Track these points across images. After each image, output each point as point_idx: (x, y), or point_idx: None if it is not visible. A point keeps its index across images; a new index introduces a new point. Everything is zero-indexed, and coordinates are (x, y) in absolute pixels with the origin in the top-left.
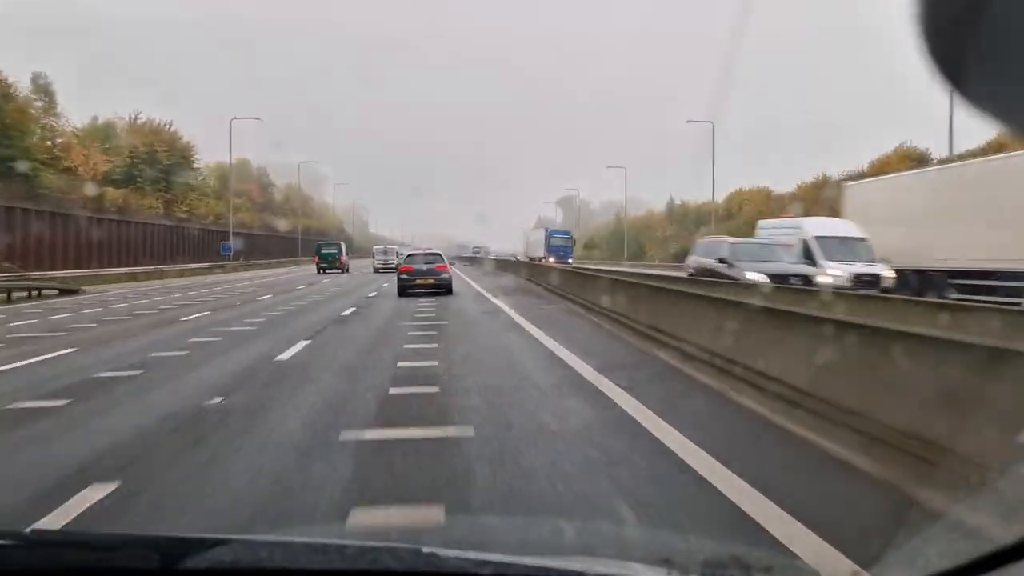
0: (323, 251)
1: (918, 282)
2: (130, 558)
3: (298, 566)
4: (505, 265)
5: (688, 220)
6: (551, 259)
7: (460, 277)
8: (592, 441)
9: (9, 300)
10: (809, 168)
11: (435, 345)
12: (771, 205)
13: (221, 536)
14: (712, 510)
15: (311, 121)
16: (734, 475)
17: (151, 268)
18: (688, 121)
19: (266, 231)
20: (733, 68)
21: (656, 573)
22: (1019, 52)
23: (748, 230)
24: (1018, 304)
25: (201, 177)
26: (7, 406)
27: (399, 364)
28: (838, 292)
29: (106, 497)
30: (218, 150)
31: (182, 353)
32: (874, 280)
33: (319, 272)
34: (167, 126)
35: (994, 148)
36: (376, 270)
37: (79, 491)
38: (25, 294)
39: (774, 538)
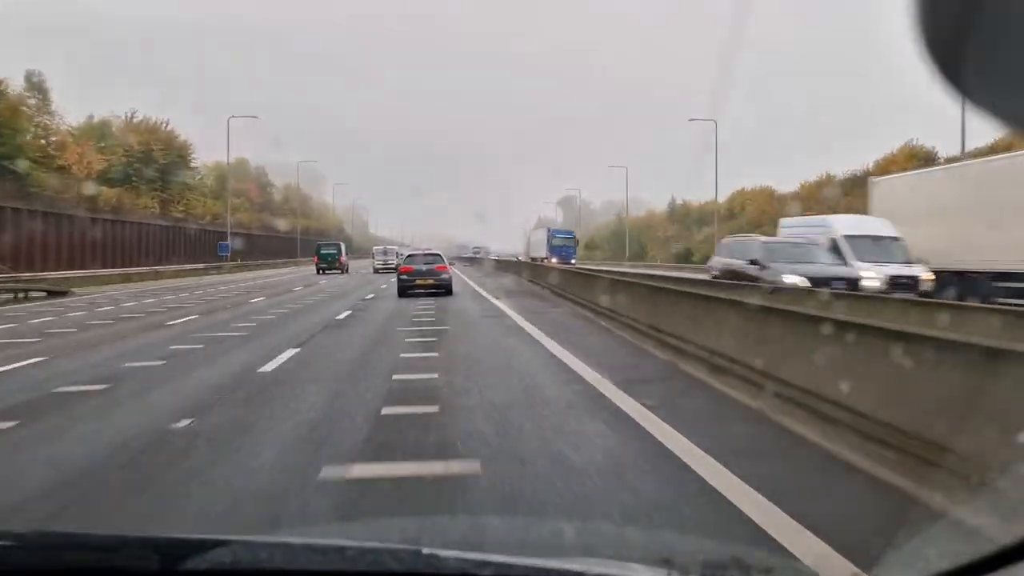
0: (322, 251)
1: (958, 285)
2: (130, 558)
3: (298, 567)
4: (506, 266)
5: (690, 220)
6: (553, 259)
7: (460, 278)
8: (624, 482)
9: None
10: (809, 168)
11: (434, 354)
12: (774, 205)
13: (221, 537)
14: None
15: (311, 121)
16: (821, 542)
17: (146, 269)
18: (691, 119)
19: (265, 231)
20: (733, 68)
21: (656, 573)
22: (1018, 51)
23: (750, 230)
24: None
25: (199, 177)
26: None
27: (394, 377)
28: (889, 297)
29: None
30: (216, 150)
31: (158, 363)
32: (911, 283)
33: (318, 272)
34: (164, 125)
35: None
36: (376, 270)
37: None
38: (11, 296)
39: None
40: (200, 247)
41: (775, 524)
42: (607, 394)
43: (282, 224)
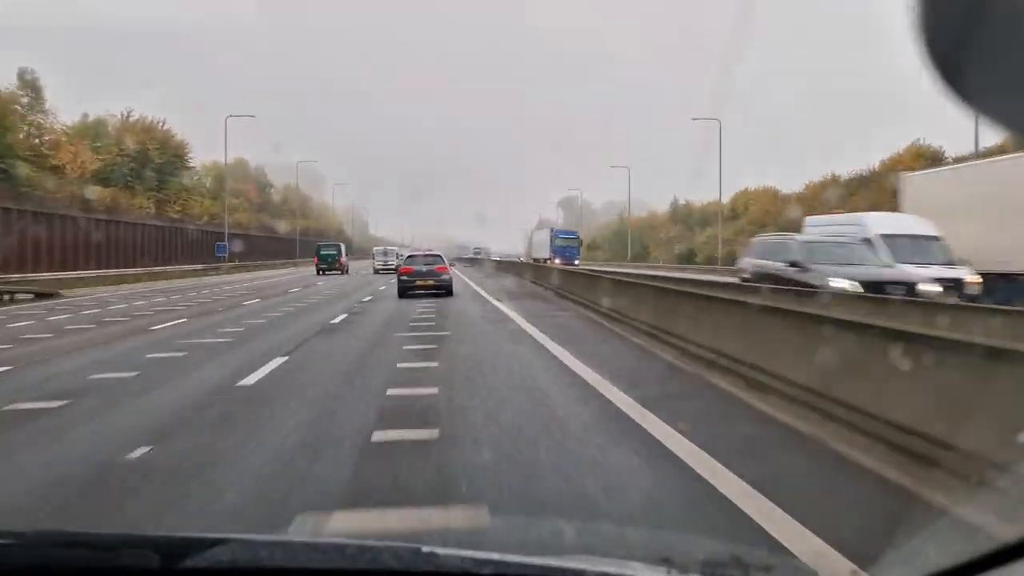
0: (322, 252)
1: (1005, 288)
2: (130, 557)
3: (297, 565)
4: (508, 267)
5: (692, 220)
6: (556, 260)
7: (462, 279)
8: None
9: None
10: (810, 170)
11: (434, 364)
12: (778, 205)
13: (220, 535)
14: None
15: (311, 122)
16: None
17: (141, 270)
18: (694, 119)
19: (263, 232)
20: (734, 69)
21: (656, 572)
22: (1018, 55)
23: (754, 230)
24: None
25: (197, 177)
26: None
27: (389, 392)
28: (947, 304)
29: None
30: (215, 150)
31: (130, 375)
32: (956, 285)
33: (318, 273)
34: (160, 124)
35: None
36: (376, 271)
37: None
38: None
39: None
40: (197, 248)
41: None
42: (631, 414)
43: (281, 225)
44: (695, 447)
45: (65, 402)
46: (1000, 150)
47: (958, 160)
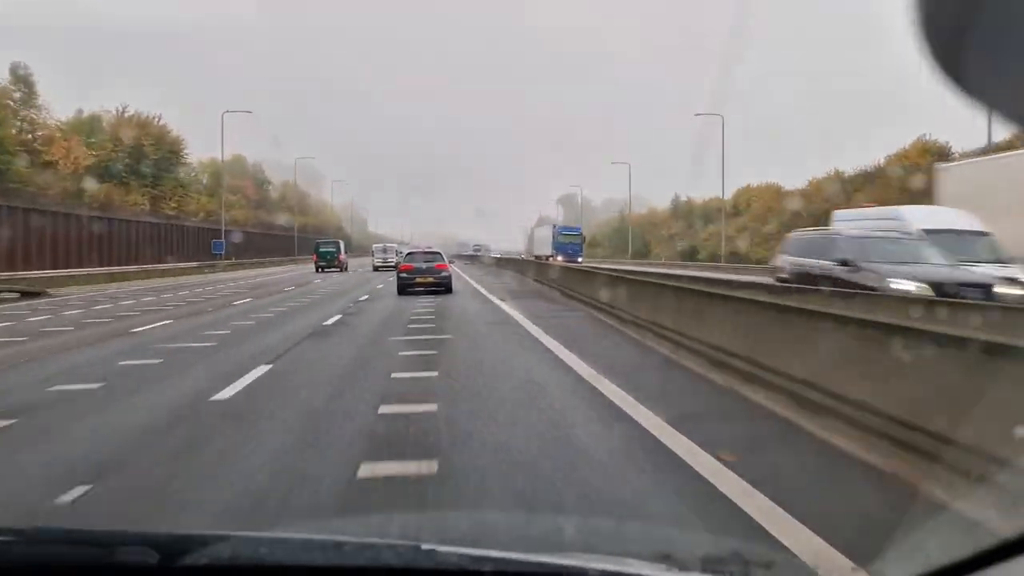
0: (321, 249)
1: None
2: (130, 554)
3: (297, 562)
4: (509, 264)
5: (694, 217)
6: (559, 257)
7: (462, 278)
8: None
9: None
10: (811, 168)
11: (432, 374)
12: (780, 201)
13: (220, 533)
14: None
15: (310, 121)
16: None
17: (135, 268)
18: (697, 114)
19: (261, 229)
20: (734, 69)
21: (655, 569)
22: (1016, 48)
23: (757, 227)
24: None
25: (194, 173)
26: None
27: (382, 409)
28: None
29: None
30: (213, 147)
31: (95, 386)
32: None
33: (317, 270)
34: (156, 120)
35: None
36: (375, 268)
37: None
38: None
39: None
40: (194, 245)
41: None
42: (664, 439)
43: (279, 221)
44: (749, 486)
45: (11, 421)
46: (1008, 145)
47: (964, 156)
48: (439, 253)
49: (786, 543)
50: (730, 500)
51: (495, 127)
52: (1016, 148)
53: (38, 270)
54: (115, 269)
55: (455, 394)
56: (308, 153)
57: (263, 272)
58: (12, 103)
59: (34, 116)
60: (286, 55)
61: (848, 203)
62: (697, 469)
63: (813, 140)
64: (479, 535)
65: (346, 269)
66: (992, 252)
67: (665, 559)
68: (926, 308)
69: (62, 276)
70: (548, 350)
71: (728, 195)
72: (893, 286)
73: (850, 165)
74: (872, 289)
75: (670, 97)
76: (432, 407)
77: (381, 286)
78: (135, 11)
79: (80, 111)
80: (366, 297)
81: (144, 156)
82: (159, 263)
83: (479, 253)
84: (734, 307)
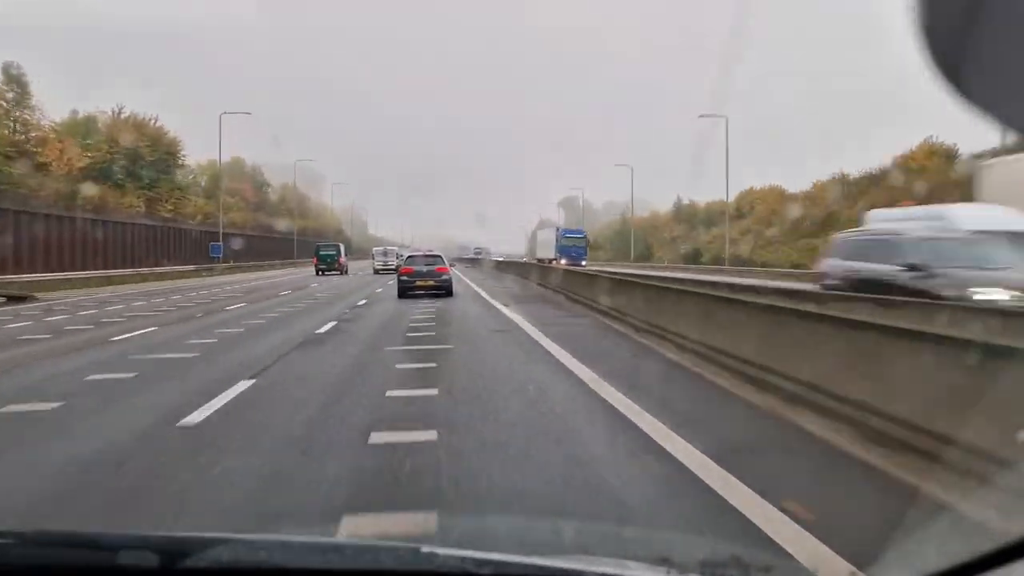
0: (321, 252)
1: None
2: (130, 557)
3: (297, 565)
4: (511, 267)
5: (696, 220)
6: (562, 261)
7: (463, 281)
8: None
9: None
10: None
11: (432, 392)
12: (785, 204)
13: (221, 535)
14: None
15: (310, 122)
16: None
17: (129, 271)
18: (701, 115)
19: (260, 232)
20: (734, 69)
21: (655, 573)
22: (1017, 53)
23: (761, 229)
24: None
25: (192, 176)
26: None
27: (372, 439)
28: None
29: None
30: (212, 149)
31: (49, 407)
32: None
33: (317, 273)
34: (152, 121)
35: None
36: (376, 271)
37: None
38: None
39: None
40: (191, 248)
41: None
42: (713, 484)
43: (279, 224)
44: (831, 553)
45: None
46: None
47: (977, 158)
48: (440, 256)
49: None
50: None
51: (495, 127)
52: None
53: (29, 274)
54: (110, 272)
55: (458, 418)
56: (308, 154)
57: (261, 276)
58: (4, 103)
59: (27, 117)
60: (286, 55)
61: (854, 206)
62: (767, 531)
63: (813, 140)
64: (479, 538)
65: (346, 272)
66: None
67: (664, 563)
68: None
69: (54, 280)
70: (559, 363)
71: (730, 198)
72: (977, 296)
73: (850, 166)
74: (946, 299)
75: (670, 97)
76: (431, 435)
77: (380, 290)
78: (135, 11)
79: (75, 112)
80: (364, 302)
81: (140, 158)
82: (155, 267)
83: (480, 256)
84: (775, 318)
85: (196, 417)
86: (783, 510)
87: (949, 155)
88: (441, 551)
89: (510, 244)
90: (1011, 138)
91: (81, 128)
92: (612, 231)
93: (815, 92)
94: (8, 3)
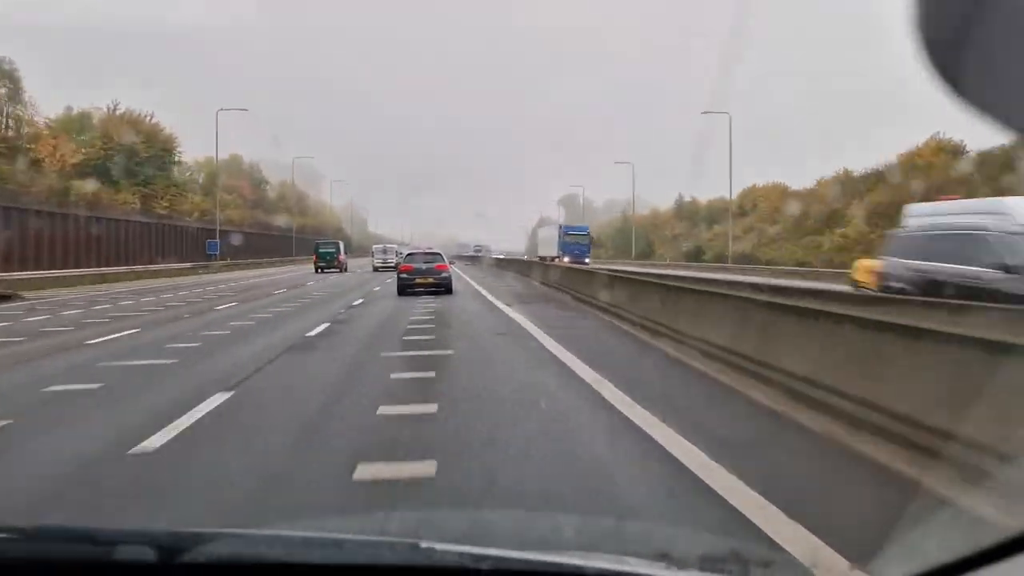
0: (321, 250)
1: None
2: (130, 552)
3: (296, 560)
4: (512, 265)
5: (698, 217)
6: (565, 259)
7: (464, 280)
8: None
9: None
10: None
11: (431, 408)
12: (787, 202)
13: (220, 530)
14: None
15: (310, 122)
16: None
17: (124, 269)
18: (704, 112)
19: (259, 229)
20: (734, 69)
21: (654, 568)
22: (1016, 53)
23: (763, 227)
24: None
25: (189, 173)
26: None
27: (358, 472)
28: None
29: None
30: (210, 147)
31: None
32: None
33: (317, 271)
34: (148, 117)
35: None
36: (375, 269)
37: None
38: None
39: None
40: (188, 246)
41: None
42: (758, 520)
43: (278, 222)
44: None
45: None
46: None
47: (983, 156)
48: (439, 254)
49: None
50: None
51: (495, 127)
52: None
53: (20, 271)
54: (104, 270)
55: (461, 442)
56: (308, 153)
57: (258, 273)
58: None
59: (20, 113)
60: (286, 55)
61: (860, 203)
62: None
63: (813, 140)
64: (478, 533)
65: (346, 270)
66: None
67: (664, 558)
68: None
69: (46, 278)
70: (570, 370)
71: (733, 195)
72: None
73: (850, 165)
74: None
75: (670, 97)
76: (428, 468)
77: (378, 288)
78: (134, 11)
79: (70, 108)
80: (360, 301)
81: (135, 154)
82: (150, 264)
83: (480, 254)
84: (834, 327)
85: (154, 442)
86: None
87: (957, 152)
88: (440, 546)
89: (510, 242)
90: (1010, 138)
91: (76, 124)
92: (613, 229)
93: (815, 92)
94: (7, 3)
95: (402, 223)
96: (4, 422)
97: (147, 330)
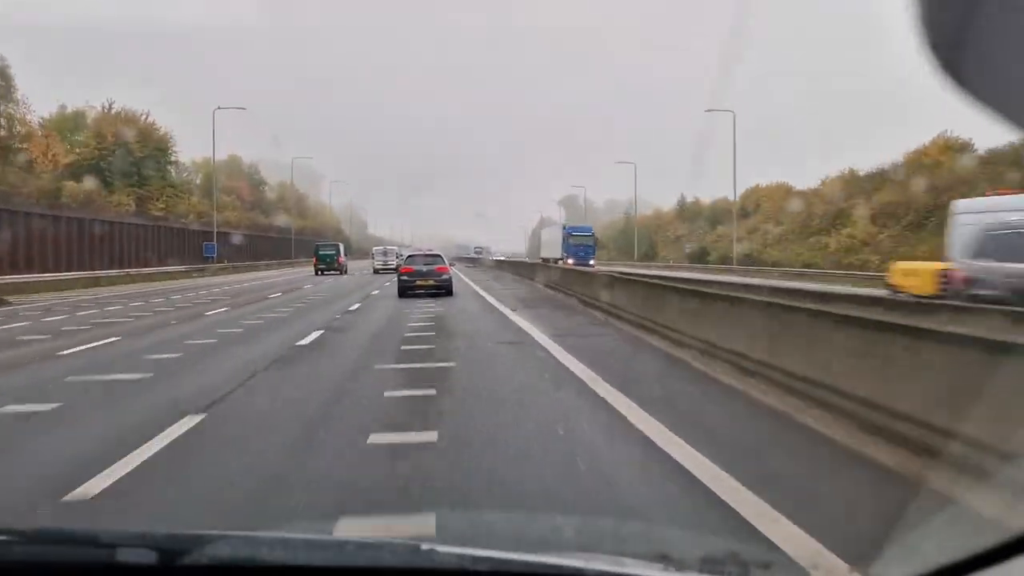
0: (320, 252)
1: None
2: (130, 554)
3: (297, 562)
4: (513, 267)
5: (701, 218)
6: (569, 260)
7: (465, 283)
8: None
9: None
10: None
11: (430, 437)
12: (791, 202)
13: (220, 532)
14: None
15: (310, 122)
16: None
17: (117, 272)
18: (708, 110)
19: (257, 231)
20: (734, 69)
21: (653, 569)
22: (1016, 50)
23: (768, 228)
24: None
25: (186, 174)
26: None
27: (340, 527)
28: None
29: None
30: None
31: None
32: None
33: (317, 273)
34: (143, 116)
35: None
36: (376, 271)
37: None
38: None
39: None
40: (185, 248)
41: None
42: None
43: (276, 223)
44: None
45: None
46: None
47: (991, 152)
48: (439, 256)
49: None
50: None
51: (495, 127)
52: None
53: (11, 275)
54: (98, 273)
55: (466, 482)
56: (307, 153)
57: (256, 276)
58: None
59: (12, 112)
60: (286, 55)
61: (867, 203)
62: None
63: (813, 140)
64: (478, 535)
65: (345, 272)
66: None
67: (663, 559)
68: None
69: (36, 282)
70: (588, 389)
71: (736, 195)
72: None
73: (851, 165)
74: None
75: (670, 97)
76: (427, 524)
77: (376, 292)
78: (134, 11)
79: (64, 107)
80: (357, 306)
81: (130, 154)
82: (145, 267)
83: (480, 255)
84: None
85: (95, 486)
86: None
87: (964, 150)
88: (440, 548)
89: (510, 243)
90: (1011, 135)
91: (69, 123)
92: (615, 230)
93: (815, 92)
94: (7, 2)
95: (402, 224)
96: None
97: (128, 338)
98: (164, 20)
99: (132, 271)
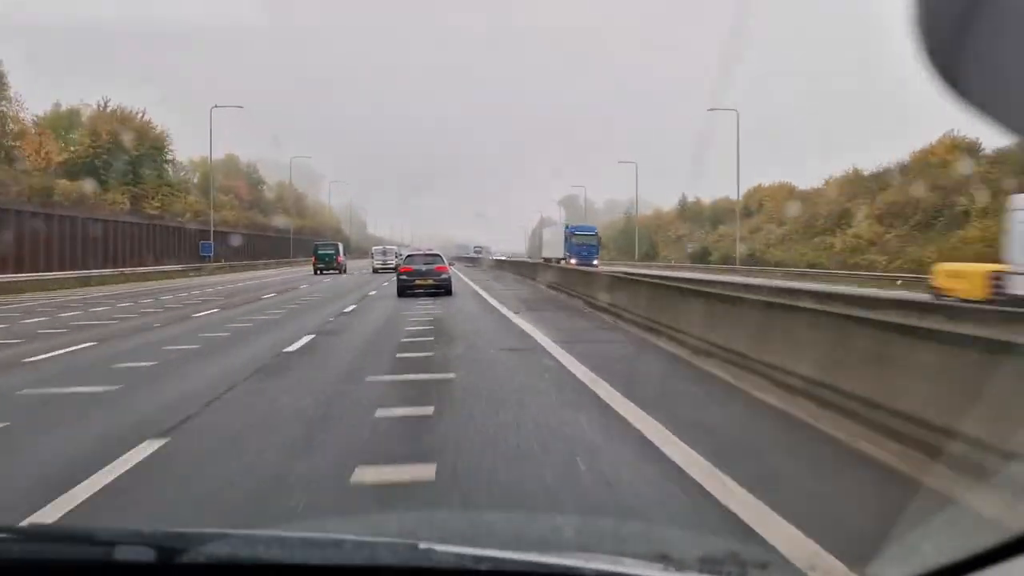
0: (320, 251)
1: None
2: (129, 552)
3: (295, 561)
4: (513, 267)
5: (703, 218)
6: (572, 260)
7: (466, 283)
8: None
9: None
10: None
11: (428, 470)
12: (794, 201)
13: (219, 530)
14: None
15: (309, 121)
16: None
17: (110, 271)
18: (711, 109)
19: (256, 231)
20: (734, 69)
21: (652, 569)
22: (1015, 53)
23: (771, 228)
24: None
25: (184, 173)
26: None
27: None
28: None
29: None
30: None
31: None
32: None
33: (316, 273)
34: (139, 114)
35: None
36: (375, 271)
37: None
38: None
39: None
40: (181, 247)
41: None
42: None
43: (275, 222)
44: None
45: None
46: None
47: (999, 152)
48: (439, 255)
49: None
50: None
51: (495, 127)
52: None
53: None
54: (90, 273)
55: (472, 525)
56: (306, 153)
57: (253, 276)
58: None
59: (4, 109)
60: (286, 55)
61: (872, 203)
62: None
63: (813, 140)
64: (477, 534)
65: (344, 271)
66: None
67: (662, 559)
68: None
69: (24, 281)
70: (606, 405)
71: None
72: None
73: (851, 165)
74: None
75: (670, 97)
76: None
77: (374, 292)
78: (134, 11)
79: (58, 104)
80: (352, 308)
81: (125, 152)
82: (139, 266)
83: (480, 255)
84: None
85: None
86: None
87: (972, 148)
88: (439, 547)
89: (510, 243)
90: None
91: (64, 121)
92: (616, 230)
93: (815, 92)
94: (8, 2)
95: (401, 223)
96: None
97: (105, 343)
98: (164, 20)
99: (127, 270)
